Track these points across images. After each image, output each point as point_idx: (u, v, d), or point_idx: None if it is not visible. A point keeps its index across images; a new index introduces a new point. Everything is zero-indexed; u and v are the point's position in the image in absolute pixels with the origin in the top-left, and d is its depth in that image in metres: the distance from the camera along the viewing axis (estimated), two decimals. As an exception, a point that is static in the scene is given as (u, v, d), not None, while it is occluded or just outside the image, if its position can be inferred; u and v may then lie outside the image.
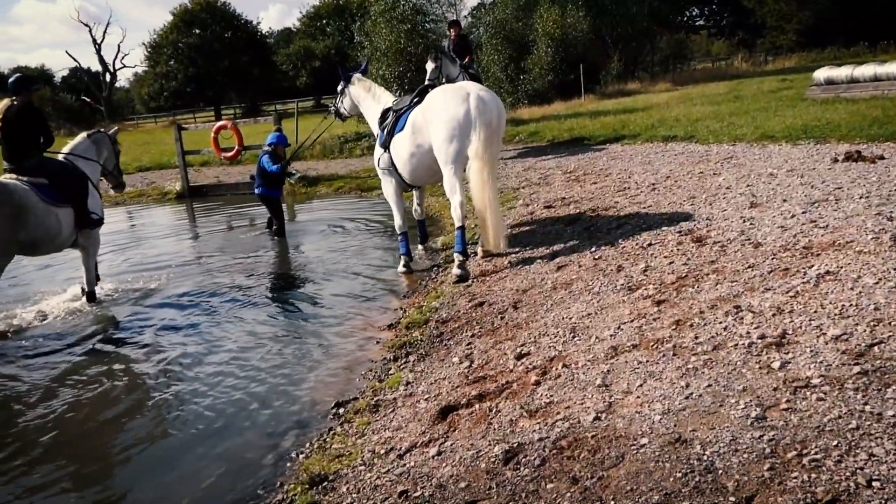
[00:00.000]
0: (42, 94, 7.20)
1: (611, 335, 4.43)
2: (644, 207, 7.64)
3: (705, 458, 2.89)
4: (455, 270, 6.89)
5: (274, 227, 10.64)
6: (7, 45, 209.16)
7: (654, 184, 8.90)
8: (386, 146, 7.74)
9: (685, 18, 56.43)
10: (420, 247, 8.70)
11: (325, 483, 3.61)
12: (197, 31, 60.49)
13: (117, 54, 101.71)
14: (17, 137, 6.99)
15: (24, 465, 4.40)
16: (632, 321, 4.58)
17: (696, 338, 4.04)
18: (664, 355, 3.93)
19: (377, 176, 8.27)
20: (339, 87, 9.02)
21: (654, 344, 4.10)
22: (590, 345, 4.40)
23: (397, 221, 7.97)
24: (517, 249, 7.29)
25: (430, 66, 13.22)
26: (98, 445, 4.56)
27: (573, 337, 4.62)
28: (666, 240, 6.28)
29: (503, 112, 7.20)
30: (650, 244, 6.26)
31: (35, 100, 7.27)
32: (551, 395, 3.84)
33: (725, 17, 57.22)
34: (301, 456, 4.09)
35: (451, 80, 13.30)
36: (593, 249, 6.54)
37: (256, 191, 10.53)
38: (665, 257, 5.79)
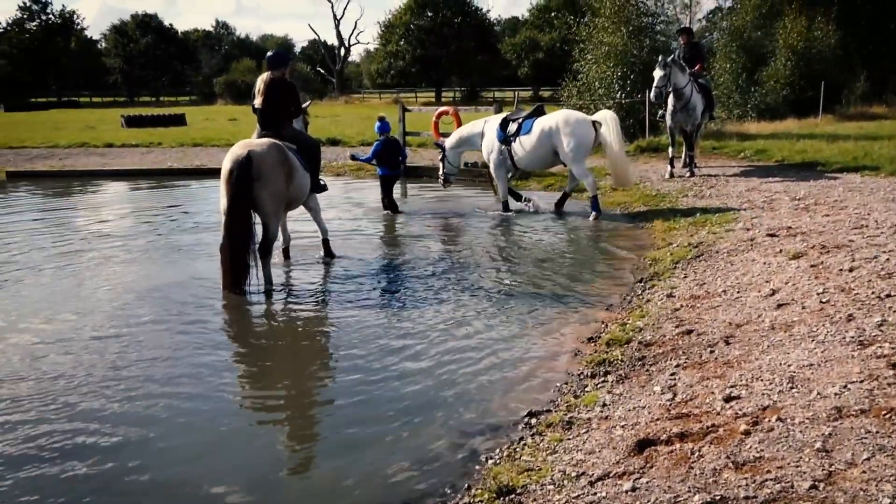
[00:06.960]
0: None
1: (835, 394, 4.05)
2: (884, 251, 6.93)
3: (944, 561, 2.56)
4: (591, 219, 10.90)
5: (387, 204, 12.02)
6: (255, 12, 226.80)
7: (897, 225, 8.07)
8: (506, 143, 11.27)
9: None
10: (522, 202, 12.03)
11: (513, 495, 3.58)
12: (429, 13, 62.59)
13: (353, 30, 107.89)
14: (275, 108, 7.86)
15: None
16: (861, 381, 4.16)
17: (940, 415, 3.60)
18: (899, 429, 3.53)
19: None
20: (440, 157, 12.57)
21: (888, 413, 3.70)
22: (810, 400, 4.04)
23: (502, 192, 11.77)
24: (732, 278, 6.90)
25: (658, 73, 12.85)
26: (288, 424, 4.80)
27: (791, 388, 4.27)
28: (908, 292, 5.66)
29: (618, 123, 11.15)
30: (889, 295, 5.64)
31: (288, 74, 8.12)
32: (762, 450, 3.57)
33: None
34: (489, 462, 4.09)
35: (678, 90, 12.95)
36: (820, 291, 6.02)
37: (390, 171, 12.08)
38: (906, 313, 5.22)
